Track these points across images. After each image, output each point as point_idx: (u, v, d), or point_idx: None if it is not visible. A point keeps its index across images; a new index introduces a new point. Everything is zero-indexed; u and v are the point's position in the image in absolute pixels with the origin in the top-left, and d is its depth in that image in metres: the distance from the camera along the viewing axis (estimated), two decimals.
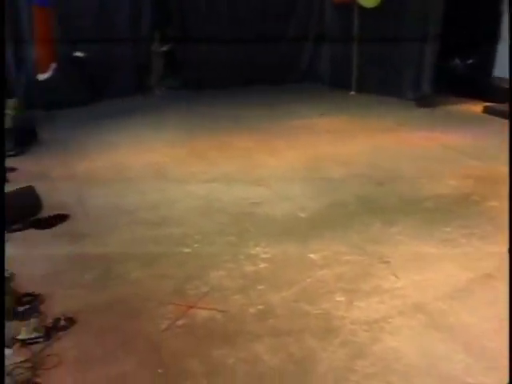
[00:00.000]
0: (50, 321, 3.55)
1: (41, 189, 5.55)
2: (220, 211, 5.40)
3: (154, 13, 11.31)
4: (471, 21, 9.39)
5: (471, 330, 3.43)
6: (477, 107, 9.23)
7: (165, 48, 11.57)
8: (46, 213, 5.34)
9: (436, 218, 5.08)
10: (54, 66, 10.07)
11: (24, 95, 9.47)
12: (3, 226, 3.17)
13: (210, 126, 8.76)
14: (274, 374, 3.09)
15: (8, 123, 7.36)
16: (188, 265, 4.34)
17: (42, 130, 8.20)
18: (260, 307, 3.72)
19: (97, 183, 6.26)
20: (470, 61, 10.34)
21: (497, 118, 8.39)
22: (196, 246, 4.65)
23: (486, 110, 8.96)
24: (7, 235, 4.75)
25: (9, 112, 7.53)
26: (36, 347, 3.32)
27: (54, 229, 5.07)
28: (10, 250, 4.51)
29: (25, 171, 6.59)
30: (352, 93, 10.89)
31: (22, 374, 3.06)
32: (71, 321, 3.57)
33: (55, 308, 3.72)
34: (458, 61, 10.53)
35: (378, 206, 5.41)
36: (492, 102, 8.98)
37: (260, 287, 3.97)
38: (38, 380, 3.03)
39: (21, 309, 3.68)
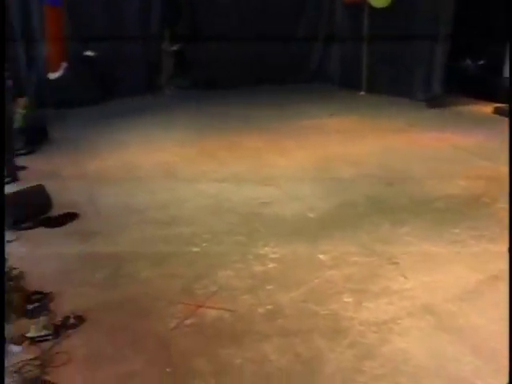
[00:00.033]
0: (60, 319, 3.56)
1: (51, 187, 5.57)
2: (229, 211, 5.41)
3: (163, 11, 11.35)
4: (482, 21, 9.36)
5: (480, 331, 3.41)
6: (487, 108, 9.20)
7: (175, 47, 11.60)
8: (56, 211, 5.36)
9: (446, 219, 5.06)
10: (64, 65, 10.13)
11: (35, 94, 9.55)
12: (3, 226, 3.17)
13: (220, 125, 8.78)
14: (281, 374, 3.08)
15: (19, 122, 7.42)
16: (197, 264, 4.35)
17: (52, 129, 8.23)
18: (268, 307, 3.72)
19: (107, 182, 6.28)
20: (481, 61, 10.30)
21: (507, 119, 8.33)
22: (205, 245, 4.66)
23: (497, 111, 8.92)
24: (17, 233, 4.80)
25: (20, 111, 7.58)
26: (45, 345, 3.33)
27: (64, 227, 5.09)
28: (19, 248, 4.58)
29: (35, 170, 6.62)
30: (362, 93, 10.89)
31: (30, 371, 3.07)
32: (81, 319, 3.57)
33: (65, 306, 3.73)
34: (469, 61, 10.49)
35: (387, 207, 5.39)
36: (503, 102, 8.91)
37: (269, 287, 3.96)
38: (47, 377, 3.04)
39: (30, 307, 3.69)
